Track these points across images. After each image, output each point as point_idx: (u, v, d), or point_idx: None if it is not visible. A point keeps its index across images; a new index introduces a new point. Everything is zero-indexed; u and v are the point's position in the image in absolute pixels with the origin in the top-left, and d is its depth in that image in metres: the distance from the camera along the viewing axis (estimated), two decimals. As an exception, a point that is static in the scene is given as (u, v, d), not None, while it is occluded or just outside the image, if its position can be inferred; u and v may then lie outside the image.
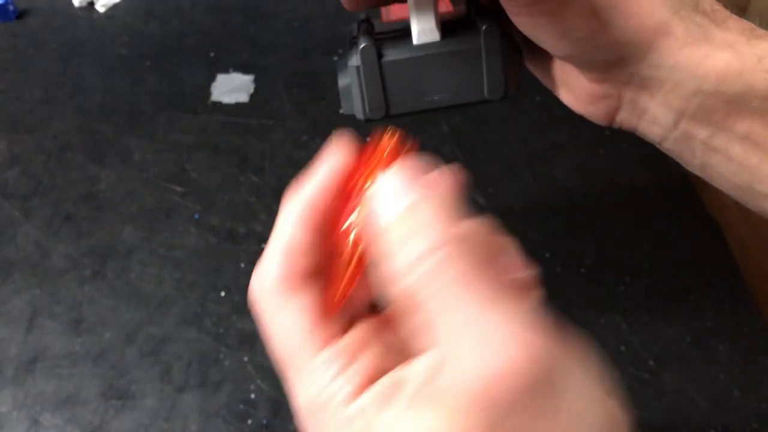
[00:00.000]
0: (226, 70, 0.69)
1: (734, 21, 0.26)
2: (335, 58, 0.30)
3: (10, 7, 0.75)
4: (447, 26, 0.30)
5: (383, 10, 0.34)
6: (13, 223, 0.56)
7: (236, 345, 0.48)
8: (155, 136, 0.63)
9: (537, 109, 0.63)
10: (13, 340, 0.49)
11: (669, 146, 0.29)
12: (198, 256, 0.53)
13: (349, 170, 0.21)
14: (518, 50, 0.30)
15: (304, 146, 0.61)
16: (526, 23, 0.27)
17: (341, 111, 0.31)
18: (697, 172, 0.30)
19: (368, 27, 0.31)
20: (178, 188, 0.58)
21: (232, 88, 0.67)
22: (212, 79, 0.68)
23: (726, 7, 0.27)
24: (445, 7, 0.32)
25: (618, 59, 0.26)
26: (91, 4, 0.77)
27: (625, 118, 0.29)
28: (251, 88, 0.67)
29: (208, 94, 0.66)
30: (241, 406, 0.45)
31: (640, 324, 0.48)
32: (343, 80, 0.30)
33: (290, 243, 0.21)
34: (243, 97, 0.66)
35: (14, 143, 0.63)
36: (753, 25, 0.27)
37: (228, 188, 0.58)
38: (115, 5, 0.77)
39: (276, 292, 0.20)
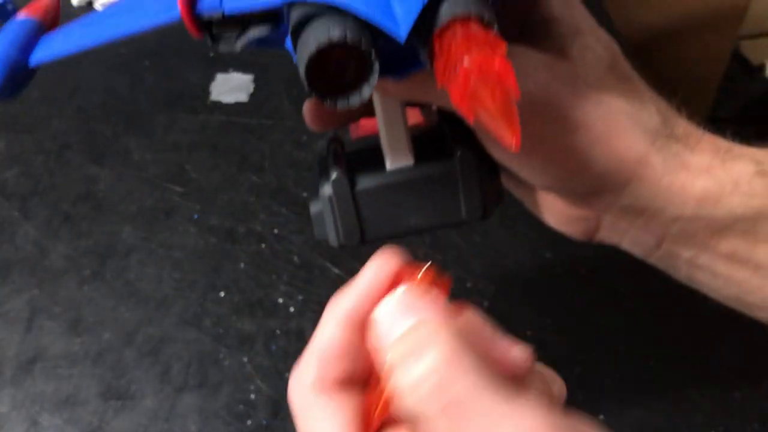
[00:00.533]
0: (225, 70, 0.68)
1: (708, 142, 0.27)
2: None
3: (9, 7, 0.75)
4: (419, 143, 0.29)
5: (352, 126, 0.33)
6: (12, 223, 0.56)
7: (236, 345, 0.48)
8: (154, 135, 0.63)
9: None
10: (12, 341, 0.49)
11: (653, 262, 0.29)
12: (197, 256, 0.53)
13: (389, 284, 0.22)
14: (495, 169, 0.29)
15: (304, 146, 0.61)
16: (503, 157, 0.27)
17: (315, 236, 0.30)
18: (685, 282, 0.30)
19: (338, 147, 0.30)
20: (178, 188, 0.58)
21: (231, 87, 0.67)
22: (211, 78, 0.68)
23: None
24: (415, 118, 0.31)
25: (597, 191, 0.26)
26: (90, 4, 0.77)
27: (605, 237, 0.29)
28: (251, 88, 0.67)
29: (208, 93, 0.66)
30: (241, 407, 0.45)
31: (641, 324, 0.48)
32: (315, 207, 0.29)
33: (328, 347, 0.21)
34: (242, 97, 0.66)
35: (13, 143, 0.62)
36: (728, 143, 0.27)
37: (227, 188, 0.58)
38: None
39: (312, 395, 0.21)
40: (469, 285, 0.50)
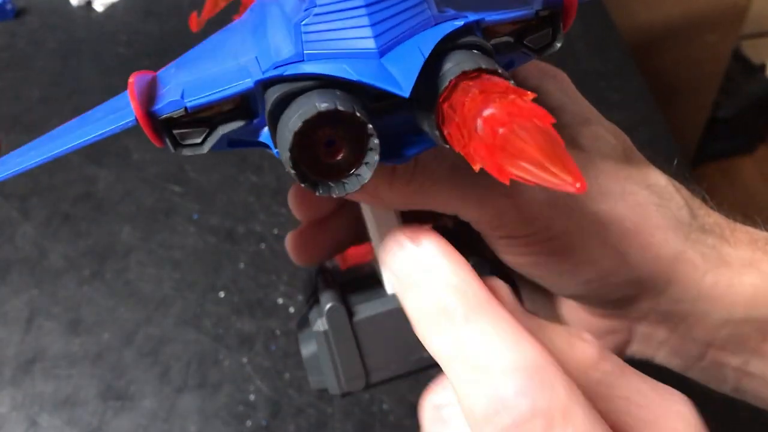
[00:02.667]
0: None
1: (743, 232, 0.24)
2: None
3: (8, 6, 0.75)
4: None
5: (338, 259, 0.30)
6: (11, 223, 0.56)
7: (235, 346, 0.48)
8: (154, 135, 0.62)
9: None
10: (11, 341, 0.49)
11: (694, 375, 0.26)
12: (197, 257, 0.53)
13: None
14: (512, 282, 0.25)
15: (304, 146, 0.61)
16: (522, 263, 0.23)
17: (311, 385, 0.25)
18: (729, 394, 0.27)
19: (328, 276, 0.26)
20: (177, 188, 0.58)
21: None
22: (211, 78, 0.67)
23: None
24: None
25: (633, 296, 0.23)
26: (89, 3, 0.77)
27: (638, 350, 0.26)
28: (250, 87, 0.67)
29: (207, 93, 0.66)
30: (241, 407, 0.45)
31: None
32: (308, 348, 0.24)
33: None
34: (242, 97, 0.66)
35: (12, 142, 0.62)
36: (763, 233, 0.24)
37: (227, 188, 0.58)
38: (113, 4, 0.77)
39: None
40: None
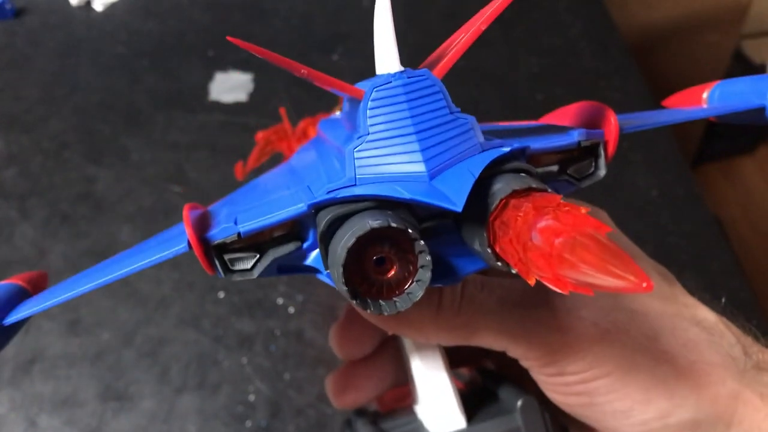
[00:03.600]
0: (224, 69, 0.68)
1: None
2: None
3: (8, 6, 0.75)
4: (467, 402, 0.24)
5: (377, 401, 0.29)
6: (10, 223, 0.56)
7: (235, 346, 0.48)
8: (153, 135, 0.62)
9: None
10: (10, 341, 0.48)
11: None
12: (196, 257, 0.53)
13: None
14: (562, 426, 0.25)
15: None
16: (573, 404, 0.22)
17: None
18: None
19: (366, 420, 0.25)
20: (177, 188, 0.58)
21: (230, 86, 0.67)
22: (211, 77, 0.67)
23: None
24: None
25: None
26: (89, 3, 0.77)
27: None
28: (250, 87, 0.66)
29: (207, 93, 0.66)
30: (240, 408, 0.45)
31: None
32: None
33: None
34: (242, 96, 0.66)
35: (11, 142, 0.62)
36: None
37: (227, 188, 0.58)
38: (113, 4, 0.77)
39: None
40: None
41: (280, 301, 0.50)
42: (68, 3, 0.77)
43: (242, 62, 0.69)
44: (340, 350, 0.27)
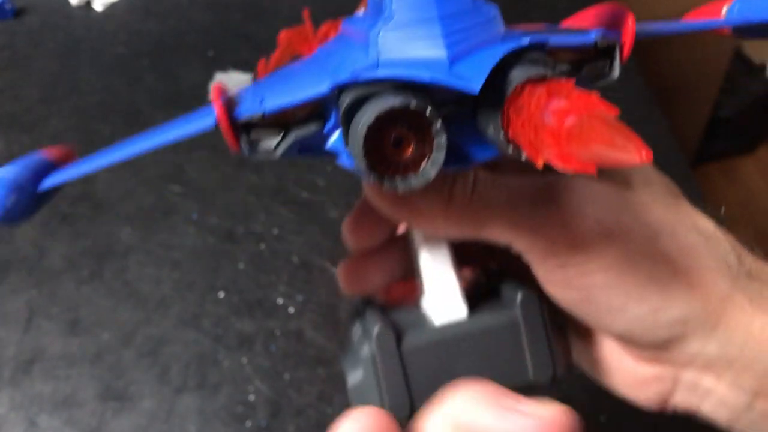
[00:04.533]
0: (224, 69, 0.68)
1: None
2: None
3: (8, 6, 0.75)
4: (469, 295, 0.25)
5: (383, 293, 0.30)
6: (10, 223, 0.56)
7: (235, 346, 0.48)
8: (153, 135, 0.62)
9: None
10: (10, 341, 0.48)
11: (742, 428, 0.25)
12: (196, 257, 0.53)
13: None
14: (560, 321, 0.25)
15: (303, 145, 0.61)
16: (571, 298, 0.23)
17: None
18: None
19: (373, 305, 0.26)
20: (177, 188, 0.58)
21: (230, 86, 0.67)
22: (210, 77, 0.67)
23: None
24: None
25: (681, 336, 0.23)
26: (89, 3, 0.77)
27: (682, 401, 0.26)
28: (250, 87, 0.67)
29: (207, 92, 0.66)
30: (240, 408, 0.45)
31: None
32: (355, 377, 0.24)
33: None
34: (242, 96, 0.66)
35: (11, 142, 0.62)
36: None
37: (226, 188, 0.58)
38: (113, 4, 0.77)
39: None
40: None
41: (280, 301, 0.50)
42: (68, 3, 0.77)
43: (242, 62, 0.69)
44: (351, 241, 0.28)
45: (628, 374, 0.26)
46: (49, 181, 0.21)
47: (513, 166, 0.24)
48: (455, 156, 0.18)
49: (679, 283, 0.22)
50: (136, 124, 0.63)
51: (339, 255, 0.52)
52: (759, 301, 0.23)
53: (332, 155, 0.19)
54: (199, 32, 0.73)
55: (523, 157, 0.16)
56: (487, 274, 0.27)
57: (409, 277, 0.27)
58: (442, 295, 0.25)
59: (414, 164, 0.17)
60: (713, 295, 0.23)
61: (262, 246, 0.54)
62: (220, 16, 0.75)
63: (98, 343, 0.48)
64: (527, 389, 0.23)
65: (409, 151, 0.16)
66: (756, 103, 1.34)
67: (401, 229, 0.28)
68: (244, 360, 0.47)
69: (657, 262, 0.22)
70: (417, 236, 0.25)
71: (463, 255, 0.25)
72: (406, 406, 0.24)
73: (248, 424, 0.44)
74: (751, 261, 0.24)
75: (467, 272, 0.27)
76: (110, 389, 0.46)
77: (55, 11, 0.76)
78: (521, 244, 0.22)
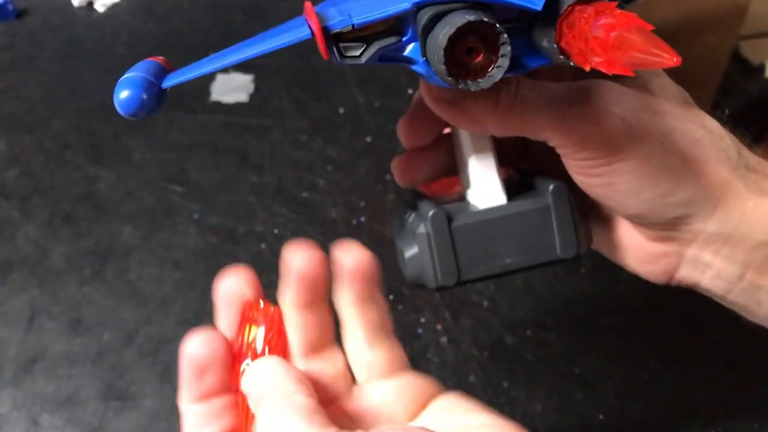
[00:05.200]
0: (225, 70, 0.68)
1: None
2: (395, 225, 0.29)
3: (9, 7, 0.75)
4: (507, 186, 0.29)
5: (426, 188, 0.34)
6: (12, 223, 0.56)
7: (236, 345, 0.48)
8: (155, 135, 0.63)
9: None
10: (12, 341, 0.49)
11: (734, 298, 0.29)
12: (197, 256, 0.53)
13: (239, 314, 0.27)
14: (583, 208, 0.30)
15: (304, 146, 0.61)
16: (595, 184, 0.27)
17: (407, 280, 0.30)
18: (764, 323, 0.30)
19: (424, 194, 0.30)
20: (178, 188, 0.58)
21: (231, 87, 0.67)
22: (211, 78, 0.68)
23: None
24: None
25: (686, 216, 0.27)
26: (90, 4, 0.77)
27: (685, 275, 0.29)
28: (251, 88, 0.67)
29: (208, 93, 0.66)
30: (241, 407, 0.45)
31: (641, 324, 0.48)
32: (410, 249, 0.29)
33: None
34: (242, 97, 0.66)
35: (13, 143, 0.62)
36: None
37: (227, 188, 0.58)
38: (115, 4, 0.77)
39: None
40: (468, 285, 0.50)
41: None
42: (70, 4, 0.77)
43: (243, 63, 0.69)
44: (405, 139, 0.32)
45: (640, 252, 0.30)
46: (170, 81, 0.25)
47: (548, 73, 0.29)
48: (513, 64, 0.21)
49: (688, 171, 0.26)
50: (138, 124, 0.64)
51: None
52: (753, 188, 0.27)
53: (409, 61, 0.22)
54: (200, 33, 0.73)
55: (572, 63, 0.19)
56: (520, 172, 0.31)
57: (450, 175, 0.32)
58: (485, 184, 0.29)
59: (483, 69, 0.20)
60: (715, 181, 0.26)
61: (263, 246, 0.54)
62: (221, 17, 0.75)
63: (100, 343, 0.48)
64: (554, 263, 0.29)
65: (480, 58, 0.20)
66: (754, 103, 1.34)
67: (446, 130, 0.31)
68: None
69: (669, 153, 0.26)
70: (464, 136, 0.29)
71: (499, 157, 0.29)
72: (455, 274, 0.28)
73: (249, 422, 0.44)
74: (749, 155, 0.28)
75: (503, 171, 0.31)
76: (112, 388, 0.46)
77: (57, 12, 0.77)
78: (557, 139, 0.26)
